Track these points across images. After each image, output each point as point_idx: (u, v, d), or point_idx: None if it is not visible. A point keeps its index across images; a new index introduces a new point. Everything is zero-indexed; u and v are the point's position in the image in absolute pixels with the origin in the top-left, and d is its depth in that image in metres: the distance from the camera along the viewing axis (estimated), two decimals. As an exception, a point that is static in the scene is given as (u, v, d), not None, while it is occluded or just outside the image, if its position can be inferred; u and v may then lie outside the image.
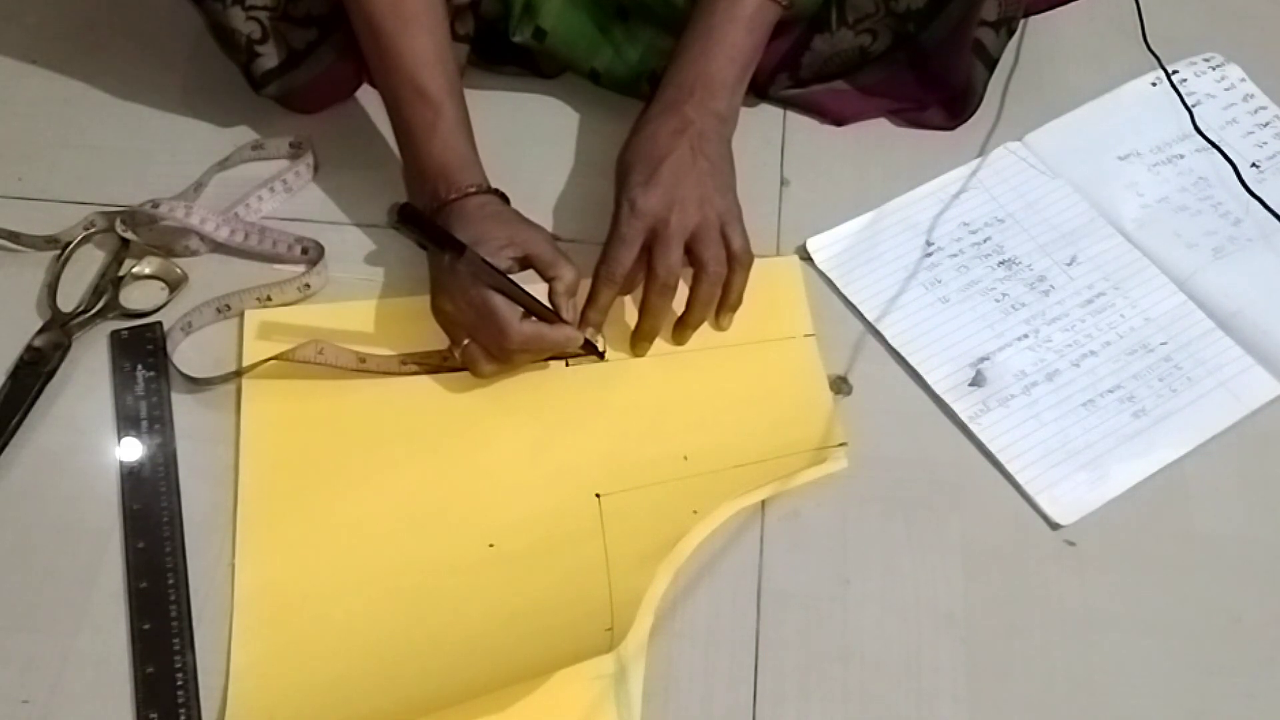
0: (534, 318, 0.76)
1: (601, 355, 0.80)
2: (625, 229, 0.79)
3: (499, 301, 0.75)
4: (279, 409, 0.78)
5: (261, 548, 0.73)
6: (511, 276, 0.76)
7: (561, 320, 0.77)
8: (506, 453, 0.77)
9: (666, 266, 0.79)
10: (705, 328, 0.82)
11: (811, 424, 0.78)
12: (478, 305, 0.75)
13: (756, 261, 0.82)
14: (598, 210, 0.86)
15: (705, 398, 0.80)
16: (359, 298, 0.84)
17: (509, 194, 0.82)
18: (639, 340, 0.81)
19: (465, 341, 0.77)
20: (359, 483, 0.76)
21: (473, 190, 0.79)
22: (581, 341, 0.78)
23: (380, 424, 0.78)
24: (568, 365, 0.81)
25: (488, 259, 0.74)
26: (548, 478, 0.76)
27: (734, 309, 0.82)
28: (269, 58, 0.86)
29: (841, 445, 0.77)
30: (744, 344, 0.82)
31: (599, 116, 0.93)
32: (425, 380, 0.80)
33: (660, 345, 0.82)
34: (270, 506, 0.75)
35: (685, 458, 0.77)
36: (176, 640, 0.70)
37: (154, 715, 0.67)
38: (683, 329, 0.81)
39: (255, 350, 0.80)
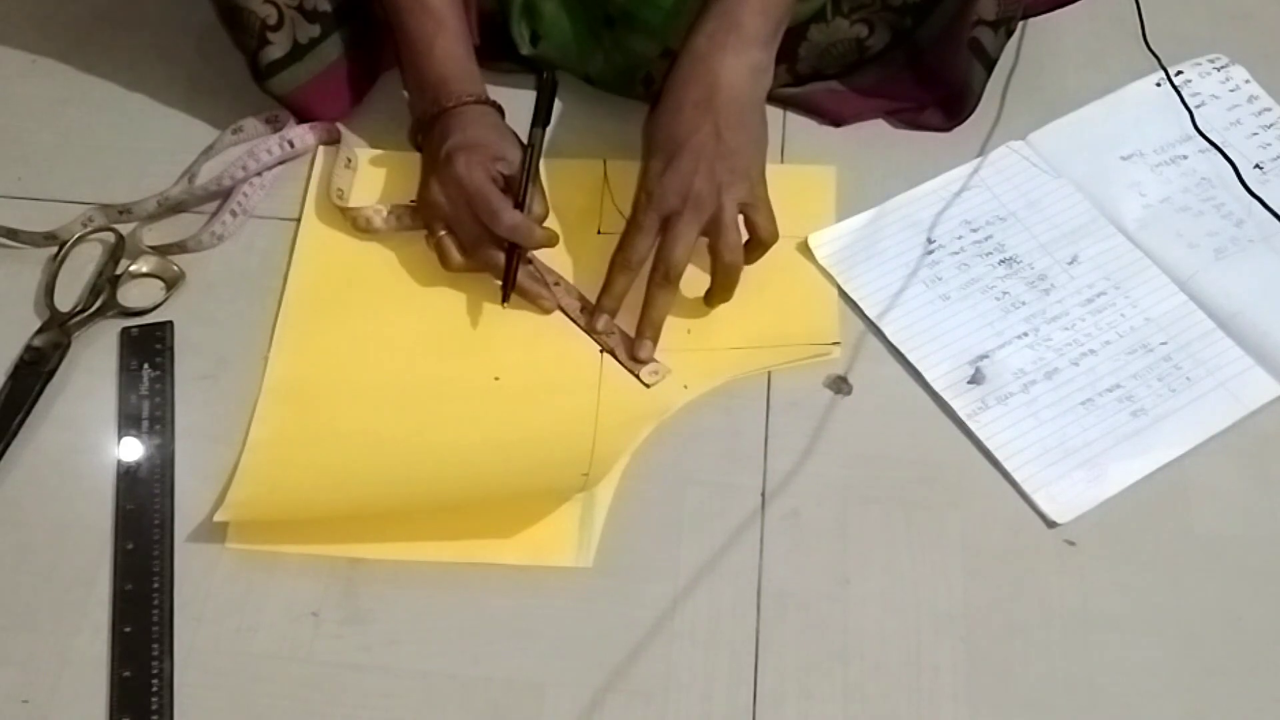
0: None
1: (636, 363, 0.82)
2: (642, 218, 0.79)
3: (495, 192, 0.79)
4: (331, 236, 0.86)
5: (295, 345, 0.81)
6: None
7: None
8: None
9: (669, 260, 0.78)
10: None
11: (811, 320, 0.82)
12: (472, 191, 0.78)
13: (789, 167, 0.88)
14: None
15: None
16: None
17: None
18: (641, 338, 0.80)
19: (441, 233, 0.81)
20: (390, 308, 0.83)
21: (471, 99, 0.82)
22: (556, 243, 0.82)
23: (418, 265, 0.84)
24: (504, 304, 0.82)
25: (476, 166, 0.79)
26: (559, 328, 0.82)
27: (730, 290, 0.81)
28: (277, 47, 0.86)
29: (835, 344, 0.81)
30: None
31: (597, 112, 0.93)
32: None
33: None
34: (308, 313, 0.83)
35: (689, 331, 0.81)
36: (156, 646, 0.69)
37: (125, 721, 0.67)
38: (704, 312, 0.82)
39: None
